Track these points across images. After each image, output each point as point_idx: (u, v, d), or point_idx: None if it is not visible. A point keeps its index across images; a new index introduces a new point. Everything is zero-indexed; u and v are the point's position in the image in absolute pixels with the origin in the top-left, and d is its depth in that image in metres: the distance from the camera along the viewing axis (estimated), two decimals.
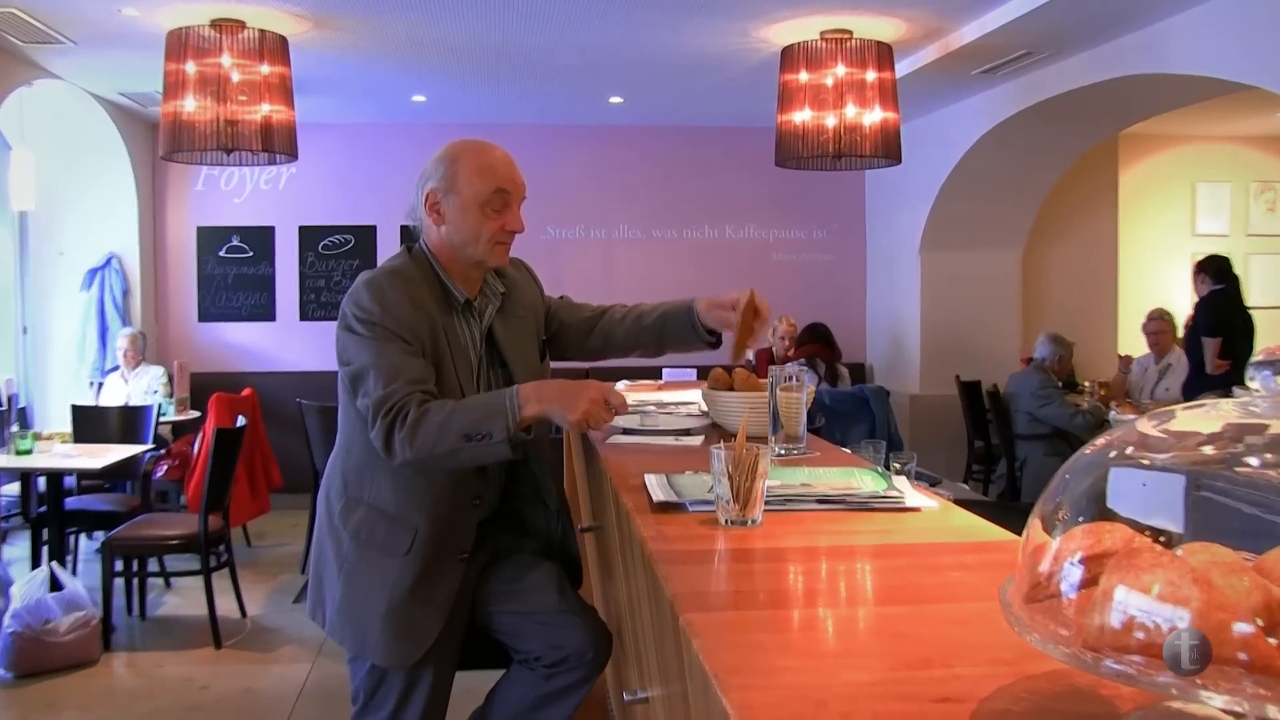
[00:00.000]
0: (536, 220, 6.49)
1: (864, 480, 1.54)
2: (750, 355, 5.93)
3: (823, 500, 1.41)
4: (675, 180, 6.84)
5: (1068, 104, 5.00)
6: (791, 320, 6.06)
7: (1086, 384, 5.81)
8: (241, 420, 4.26)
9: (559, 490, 2.08)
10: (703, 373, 3.04)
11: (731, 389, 2.07)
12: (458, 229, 1.89)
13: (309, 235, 6.56)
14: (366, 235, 6.60)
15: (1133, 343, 6.43)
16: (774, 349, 6.08)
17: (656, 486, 1.49)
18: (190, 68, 4.13)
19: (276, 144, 4.26)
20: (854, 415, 5.08)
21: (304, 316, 6.56)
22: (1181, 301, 6.84)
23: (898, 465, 1.69)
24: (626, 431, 2.01)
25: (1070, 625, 0.68)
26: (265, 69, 4.18)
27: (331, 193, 6.57)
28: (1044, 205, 6.28)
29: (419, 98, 5.88)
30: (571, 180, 6.74)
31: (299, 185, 6.52)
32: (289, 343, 6.55)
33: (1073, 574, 0.70)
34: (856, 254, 7.01)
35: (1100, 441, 0.76)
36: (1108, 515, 0.71)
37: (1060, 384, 5.43)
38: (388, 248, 6.52)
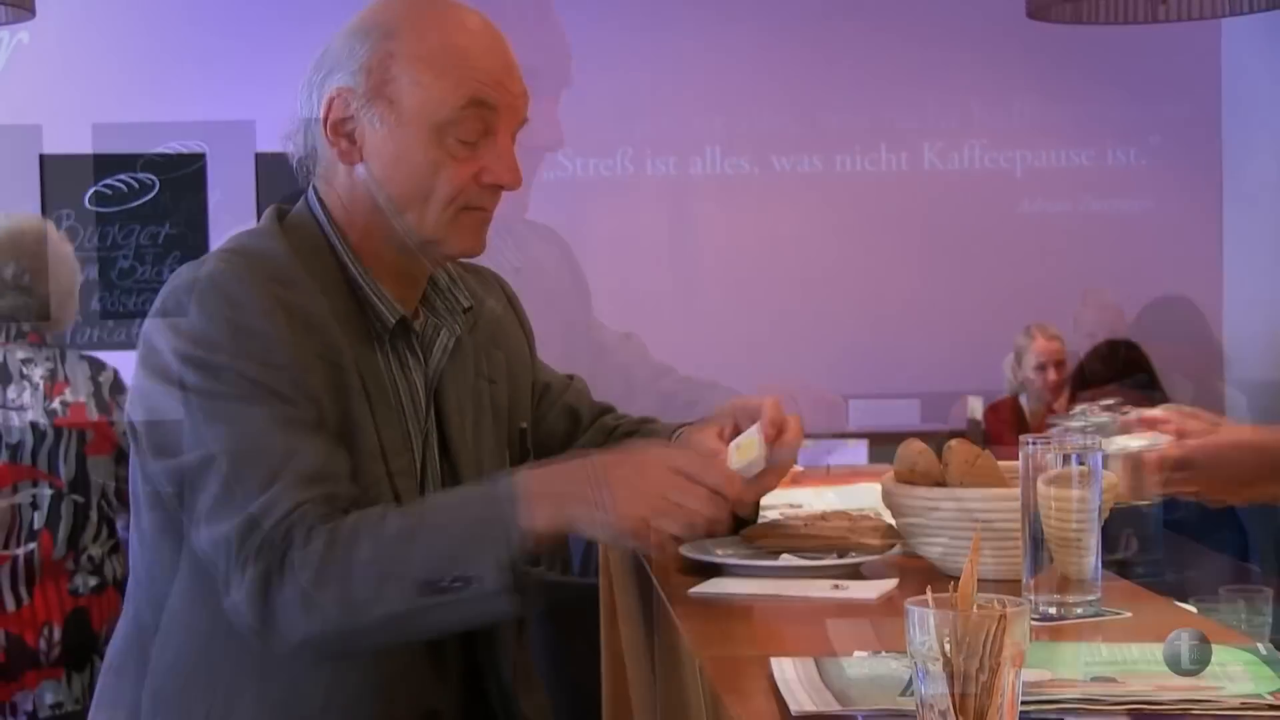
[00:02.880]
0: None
1: (1231, 672, 1.54)
2: (975, 406, 5.89)
3: (1140, 713, 1.43)
4: (816, 53, 6.90)
5: None
6: (1055, 332, 6.02)
7: None
8: None
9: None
10: (880, 446, 3.05)
11: (942, 483, 2.09)
12: (391, 175, 1.96)
13: (66, 172, 6.72)
14: (187, 174, 6.74)
15: None
16: (1025, 394, 6.05)
17: (796, 682, 1.52)
18: None
19: None
20: (1203, 529, 5.02)
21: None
22: None
23: None
24: (726, 569, 2.03)
25: None
26: None
27: (112, 79, 6.73)
28: None
29: None
30: (607, 60, 6.82)
31: (40, 63, 6.69)
32: None
33: None
34: (1202, 197, 6.99)
35: None
36: None
37: None
38: (234, 200, 6.65)
